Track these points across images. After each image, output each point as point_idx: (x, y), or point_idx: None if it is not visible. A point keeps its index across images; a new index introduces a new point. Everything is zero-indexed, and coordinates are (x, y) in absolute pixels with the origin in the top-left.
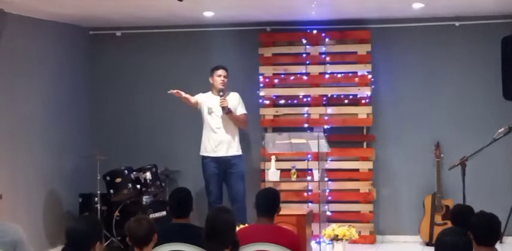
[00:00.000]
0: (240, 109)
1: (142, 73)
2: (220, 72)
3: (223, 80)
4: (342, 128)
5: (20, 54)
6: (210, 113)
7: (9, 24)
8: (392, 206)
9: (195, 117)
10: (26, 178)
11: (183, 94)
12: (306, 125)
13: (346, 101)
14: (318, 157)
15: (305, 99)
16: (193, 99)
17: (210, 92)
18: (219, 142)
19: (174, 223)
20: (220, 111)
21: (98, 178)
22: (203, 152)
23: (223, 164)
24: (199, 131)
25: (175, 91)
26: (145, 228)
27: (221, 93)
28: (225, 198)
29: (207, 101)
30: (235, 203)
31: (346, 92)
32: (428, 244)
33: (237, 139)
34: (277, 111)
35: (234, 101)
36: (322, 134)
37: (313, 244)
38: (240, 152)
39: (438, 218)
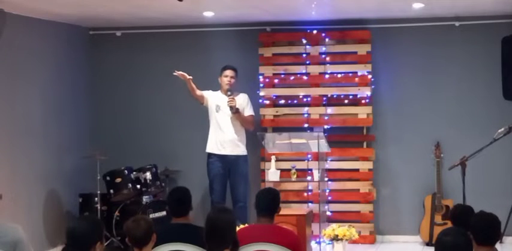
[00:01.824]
0: (247, 110)
1: (142, 73)
2: (228, 72)
3: (229, 81)
4: (342, 128)
5: (20, 54)
6: (217, 110)
7: (9, 24)
8: (392, 206)
9: (195, 117)
10: (26, 178)
11: (188, 76)
12: (306, 125)
13: (346, 101)
14: (318, 157)
15: (305, 99)
16: (198, 91)
17: (219, 91)
18: (226, 140)
19: (174, 223)
20: (228, 110)
21: (98, 178)
22: (209, 150)
23: (228, 163)
24: (200, 131)
25: (180, 73)
26: (143, 228)
27: (229, 93)
28: (228, 197)
29: (216, 99)
30: (237, 203)
31: (346, 92)
32: (428, 244)
33: (243, 138)
34: (277, 111)
35: (243, 102)
36: (322, 134)
37: (313, 244)
38: (245, 153)
39: (438, 218)
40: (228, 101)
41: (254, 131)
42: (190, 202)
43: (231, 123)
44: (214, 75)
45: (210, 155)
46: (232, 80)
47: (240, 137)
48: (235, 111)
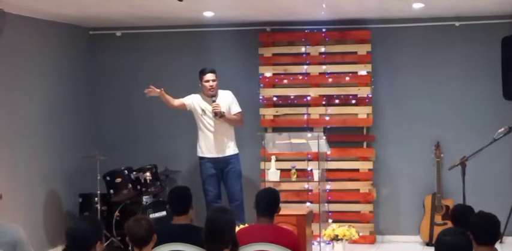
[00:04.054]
0: (234, 108)
1: (142, 73)
2: (208, 76)
3: (211, 86)
4: (342, 128)
5: (20, 54)
6: (203, 114)
7: (9, 24)
8: (392, 206)
9: (194, 118)
10: (26, 178)
11: (157, 90)
12: (306, 125)
13: (346, 101)
14: (318, 157)
15: (305, 99)
16: (176, 101)
17: (201, 94)
18: (215, 142)
19: (175, 224)
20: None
21: (98, 178)
22: (200, 153)
23: (220, 164)
24: None
25: (152, 92)
26: (144, 228)
27: (214, 99)
28: (224, 197)
29: (200, 103)
30: (233, 202)
31: (346, 92)
32: (428, 244)
33: (232, 138)
34: (277, 111)
35: (227, 100)
36: (322, 134)
37: (313, 244)
38: (236, 151)
39: (438, 218)
40: (212, 108)
41: (249, 130)
42: (190, 200)
43: (218, 125)
44: None
45: (201, 157)
46: (214, 84)
47: (230, 138)
48: (220, 116)
